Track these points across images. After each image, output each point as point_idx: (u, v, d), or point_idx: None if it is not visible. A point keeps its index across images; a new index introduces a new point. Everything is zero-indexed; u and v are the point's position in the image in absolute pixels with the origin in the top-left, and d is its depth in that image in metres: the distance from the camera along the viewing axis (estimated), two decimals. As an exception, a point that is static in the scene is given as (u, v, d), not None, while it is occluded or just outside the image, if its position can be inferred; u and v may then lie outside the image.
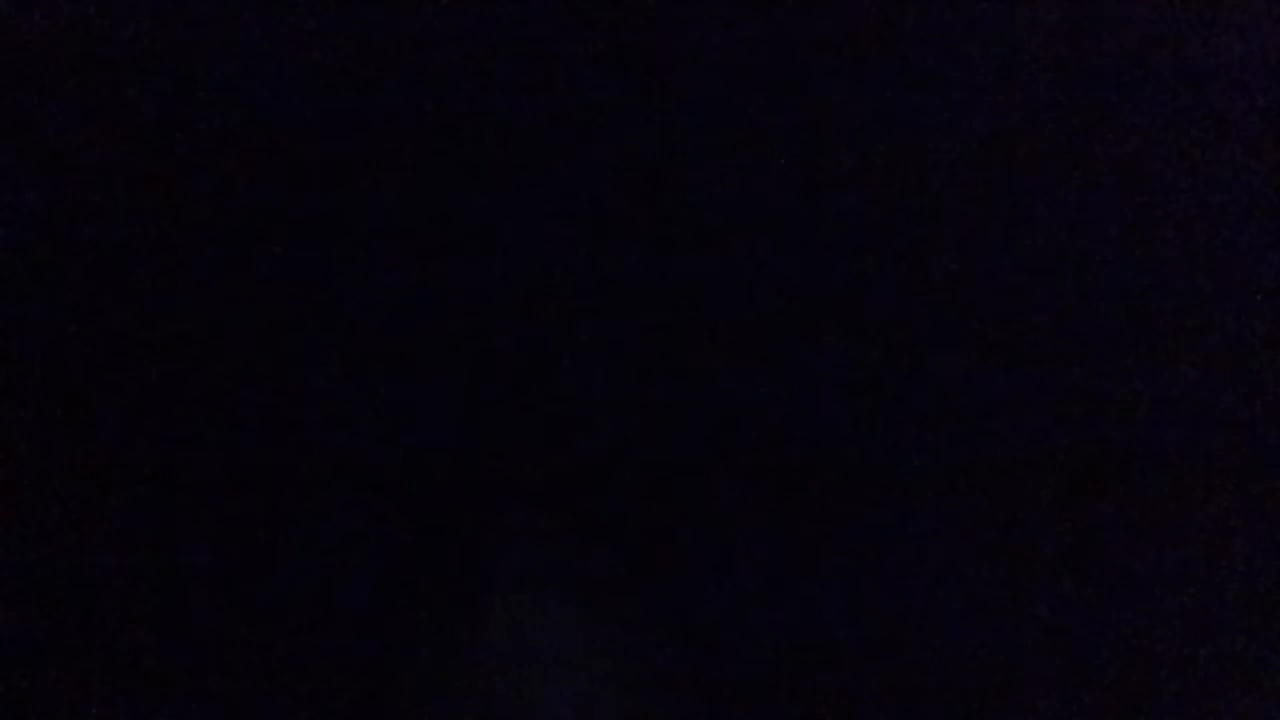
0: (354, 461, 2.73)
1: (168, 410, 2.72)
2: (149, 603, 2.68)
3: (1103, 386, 2.78)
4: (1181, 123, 2.85)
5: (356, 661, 2.69)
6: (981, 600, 2.73)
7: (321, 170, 2.78)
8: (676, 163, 2.81)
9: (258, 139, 2.78)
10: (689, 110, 2.82)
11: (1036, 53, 2.85)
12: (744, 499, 2.75)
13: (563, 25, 2.82)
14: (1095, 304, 2.80)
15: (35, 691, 2.65)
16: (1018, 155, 2.83)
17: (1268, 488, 2.77)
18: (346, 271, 2.77)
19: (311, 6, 2.81)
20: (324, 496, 2.71)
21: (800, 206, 2.81)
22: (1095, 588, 2.74)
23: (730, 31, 2.83)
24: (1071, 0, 2.86)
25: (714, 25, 2.83)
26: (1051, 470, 2.77)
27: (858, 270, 2.80)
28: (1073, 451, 2.77)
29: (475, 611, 2.72)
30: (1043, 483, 2.76)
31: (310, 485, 2.71)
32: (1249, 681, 2.73)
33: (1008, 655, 2.72)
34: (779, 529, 2.74)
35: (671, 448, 2.76)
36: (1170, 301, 2.81)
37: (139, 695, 2.66)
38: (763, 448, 2.76)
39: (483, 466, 2.74)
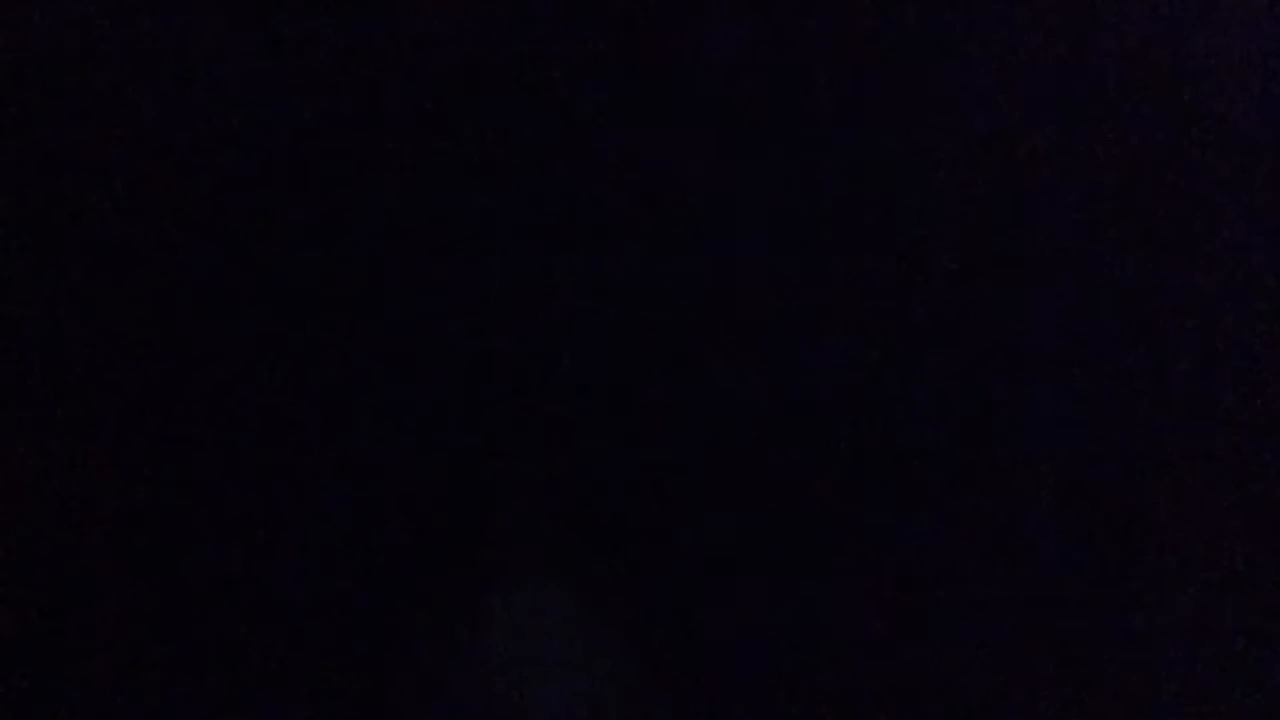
0: (353, 461, 2.73)
1: (166, 411, 2.72)
2: (148, 603, 2.68)
3: (1103, 386, 2.78)
4: (1181, 123, 2.85)
5: (356, 661, 2.69)
6: (981, 600, 2.73)
7: (321, 170, 2.78)
8: (676, 163, 2.81)
9: (257, 139, 2.78)
10: (688, 110, 2.82)
11: (1036, 53, 2.85)
12: (743, 499, 2.75)
13: (563, 25, 2.82)
14: (1095, 304, 2.80)
15: (35, 691, 2.65)
16: (1018, 155, 2.83)
17: (1268, 488, 2.77)
18: (346, 272, 2.76)
19: (312, 6, 2.81)
20: (323, 497, 2.71)
21: (800, 206, 2.81)
22: (1095, 588, 2.74)
23: (730, 31, 2.83)
24: (1071, 0, 2.86)
25: (714, 25, 2.83)
26: (1051, 470, 2.77)
27: (858, 270, 2.80)
28: (1073, 451, 2.77)
29: (475, 612, 2.72)
30: (1042, 483, 2.76)
31: (309, 485, 2.71)
32: (1249, 681, 2.73)
33: (1007, 655, 2.72)
34: (778, 529, 2.74)
35: (671, 447, 2.76)
36: (1170, 301, 2.81)
37: (138, 695, 2.66)
38: (762, 448, 2.76)
39: (482, 466, 2.74)
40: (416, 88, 2.81)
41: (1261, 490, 2.76)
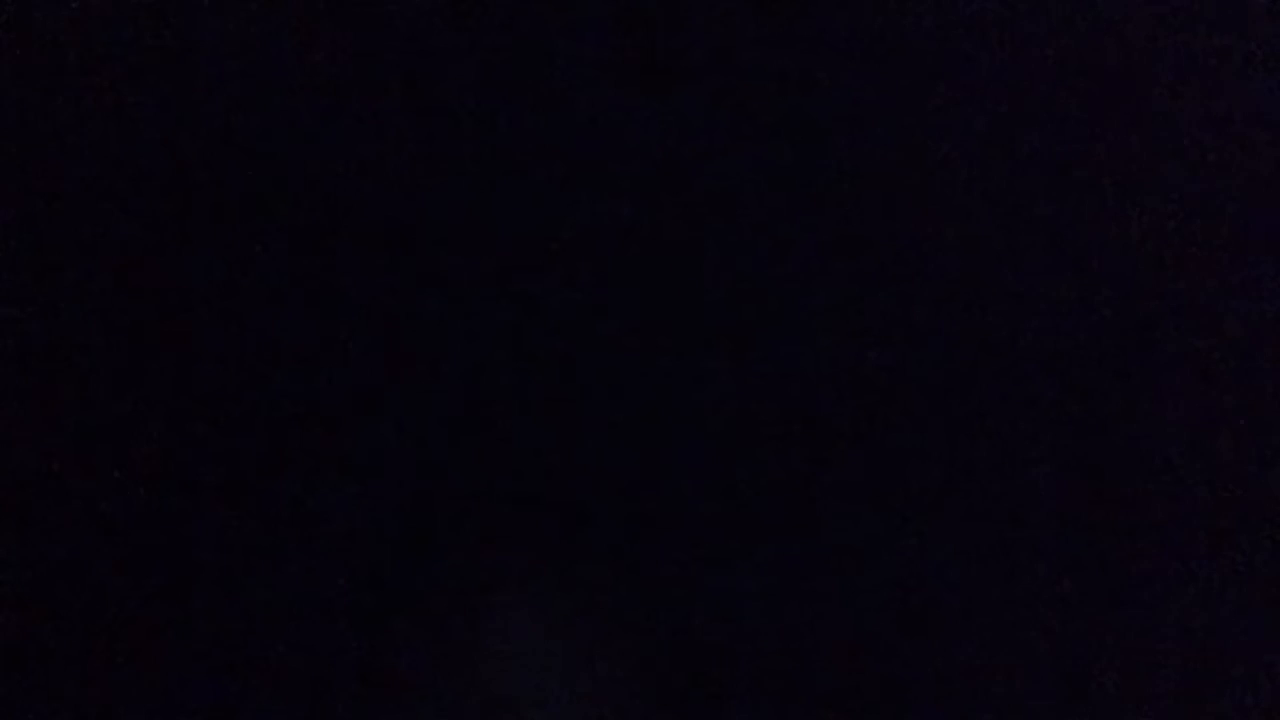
0: (353, 461, 2.72)
1: (166, 411, 2.72)
2: (147, 603, 2.67)
3: (1103, 386, 2.78)
4: (1181, 122, 2.85)
5: (356, 662, 2.69)
6: (980, 600, 2.73)
7: (321, 170, 2.78)
8: (676, 162, 2.81)
9: (257, 139, 2.78)
10: (688, 109, 2.82)
11: (1036, 53, 2.85)
12: (742, 499, 2.75)
13: (563, 25, 2.82)
14: (1095, 304, 2.80)
15: (35, 691, 2.64)
16: (1018, 155, 2.83)
17: (1268, 488, 2.77)
18: (345, 272, 2.76)
19: (312, 6, 2.80)
20: (322, 497, 2.71)
21: (800, 206, 2.81)
22: (1095, 588, 2.74)
23: (730, 30, 2.83)
24: (1072, 0, 2.86)
25: (714, 24, 2.83)
26: (1051, 470, 2.77)
27: (857, 270, 2.79)
28: (1072, 451, 2.77)
29: (474, 614, 2.72)
30: (1042, 482, 2.76)
31: (309, 485, 2.71)
32: (1249, 681, 2.73)
33: (1007, 655, 2.72)
34: (778, 529, 2.74)
35: (671, 447, 2.76)
36: (1170, 301, 2.81)
37: (138, 695, 2.66)
38: (761, 447, 2.76)
39: (482, 466, 2.74)
40: (416, 87, 2.81)
41: (1261, 490, 2.76)
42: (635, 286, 2.79)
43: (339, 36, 2.80)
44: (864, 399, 2.77)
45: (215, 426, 2.72)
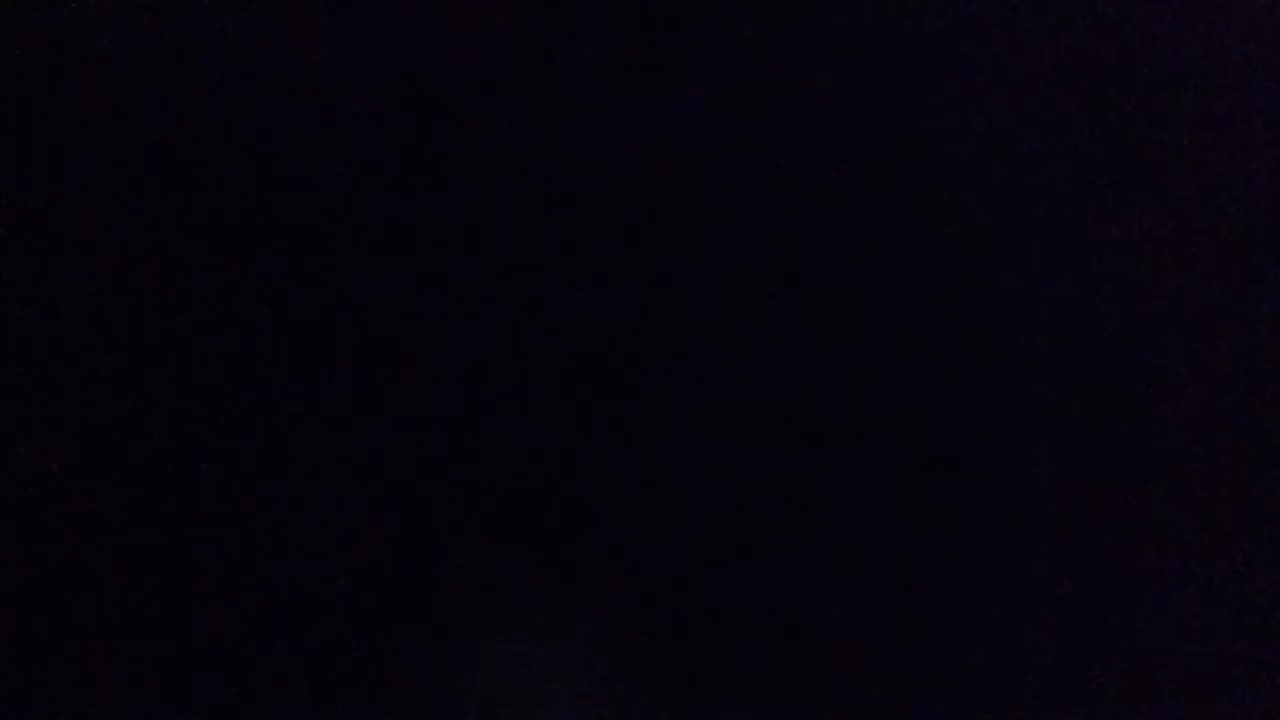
0: (353, 461, 2.73)
1: (166, 410, 2.72)
2: (146, 603, 2.67)
3: (1102, 386, 2.78)
4: (1182, 123, 2.85)
5: (356, 662, 2.69)
6: (980, 599, 2.73)
7: (321, 171, 2.78)
8: (676, 162, 2.81)
9: (257, 139, 2.78)
10: (688, 109, 2.82)
11: (1036, 53, 2.85)
12: (742, 499, 2.75)
13: (563, 25, 2.82)
14: (1095, 304, 2.80)
15: (34, 691, 2.65)
16: (1018, 155, 2.83)
17: (1268, 488, 2.77)
18: (345, 272, 2.76)
19: (312, 6, 2.80)
20: (322, 499, 2.71)
21: (800, 206, 2.81)
22: (1095, 588, 2.74)
23: (730, 30, 2.83)
24: (1072, 0, 2.86)
25: (714, 24, 2.83)
26: (1051, 470, 2.77)
27: (857, 269, 2.80)
28: (1073, 450, 2.77)
29: (474, 614, 2.72)
30: (1043, 482, 2.76)
31: (309, 485, 2.71)
32: (1249, 681, 2.73)
33: (1007, 654, 2.72)
34: (779, 530, 2.74)
35: (671, 448, 2.76)
36: (1171, 302, 2.81)
37: (137, 694, 2.66)
38: (760, 448, 2.76)
39: (482, 467, 2.74)
40: (416, 87, 2.81)
41: (1261, 490, 2.76)
42: (635, 286, 2.79)
43: (339, 36, 2.80)
44: (863, 399, 2.77)
45: (215, 427, 2.72)
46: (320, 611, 2.69)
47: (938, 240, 2.80)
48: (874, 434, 2.76)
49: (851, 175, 2.81)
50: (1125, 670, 2.72)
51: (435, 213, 2.78)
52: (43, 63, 2.77)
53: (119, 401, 2.71)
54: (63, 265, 2.74)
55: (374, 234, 2.77)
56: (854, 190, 2.81)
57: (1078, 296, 2.80)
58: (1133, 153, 2.84)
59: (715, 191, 2.81)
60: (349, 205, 2.77)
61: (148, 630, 2.66)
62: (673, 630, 2.73)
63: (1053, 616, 2.73)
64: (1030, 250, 2.81)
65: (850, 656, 2.72)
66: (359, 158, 2.78)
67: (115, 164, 2.76)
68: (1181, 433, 2.77)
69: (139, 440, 2.71)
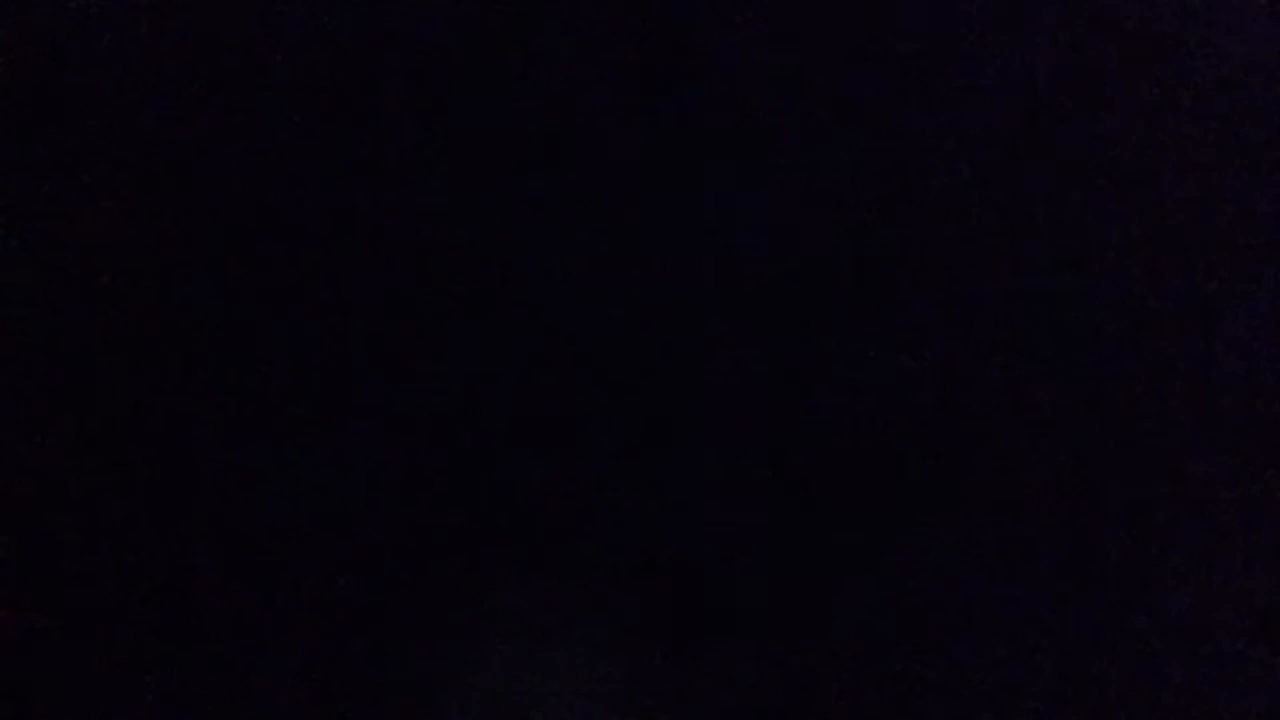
0: (354, 461, 2.73)
1: (166, 410, 2.72)
2: (147, 604, 2.68)
3: (1103, 386, 2.79)
4: (1182, 122, 2.85)
5: (356, 662, 2.69)
6: (981, 600, 2.74)
7: (321, 171, 2.78)
8: (676, 162, 2.82)
9: (257, 137, 2.78)
10: (688, 109, 2.82)
11: (1036, 53, 2.85)
12: (742, 499, 2.75)
13: (563, 25, 2.82)
14: (1095, 304, 2.81)
15: (34, 691, 2.65)
16: (1018, 155, 2.83)
17: (1268, 488, 2.77)
18: (346, 272, 2.77)
19: (312, 6, 2.81)
20: (323, 499, 2.72)
21: (800, 205, 2.81)
22: (1095, 588, 2.75)
23: (731, 30, 2.83)
24: (1072, 0, 2.86)
25: (715, 24, 2.83)
26: (1051, 470, 2.77)
27: (857, 271, 2.80)
28: (1073, 451, 2.78)
29: (475, 613, 2.72)
30: (1043, 482, 2.77)
31: (309, 485, 2.72)
32: (1249, 681, 2.73)
33: (1007, 654, 2.73)
34: (780, 534, 2.74)
35: (671, 447, 2.76)
36: (1170, 302, 2.81)
37: (137, 695, 2.66)
38: (761, 448, 2.76)
39: (483, 466, 2.74)
40: (416, 87, 2.81)
41: (1261, 490, 2.77)
42: (636, 285, 2.79)
43: (339, 36, 2.80)
44: (863, 399, 2.77)
45: (215, 425, 2.72)
46: (320, 612, 2.69)
47: (938, 240, 2.81)
48: (874, 434, 2.77)
49: (851, 174, 2.82)
50: (1125, 670, 2.73)
51: (435, 212, 2.79)
52: (43, 63, 2.78)
53: (118, 400, 2.71)
54: (63, 265, 2.74)
55: (374, 234, 2.77)
56: (853, 189, 2.82)
57: (1078, 296, 2.80)
58: (1133, 152, 2.84)
59: (715, 190, 2.81)
60: (349, 205, 2.77)
61: (148, 630, 2.67)
62: (674, 629, 2.73)
63: (1053, 616, 2.73)
64: (1030, 250, 2.81)
65: (851, 656, 2.72)
66: (359, 158, 2.79)
67: (115, 164, 2.76)
68: (1181, 432, 2.78)
69: (139, 440, 2.71)
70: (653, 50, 2.83)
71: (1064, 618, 2.73)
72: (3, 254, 2.74)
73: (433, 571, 2.72)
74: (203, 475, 2.71)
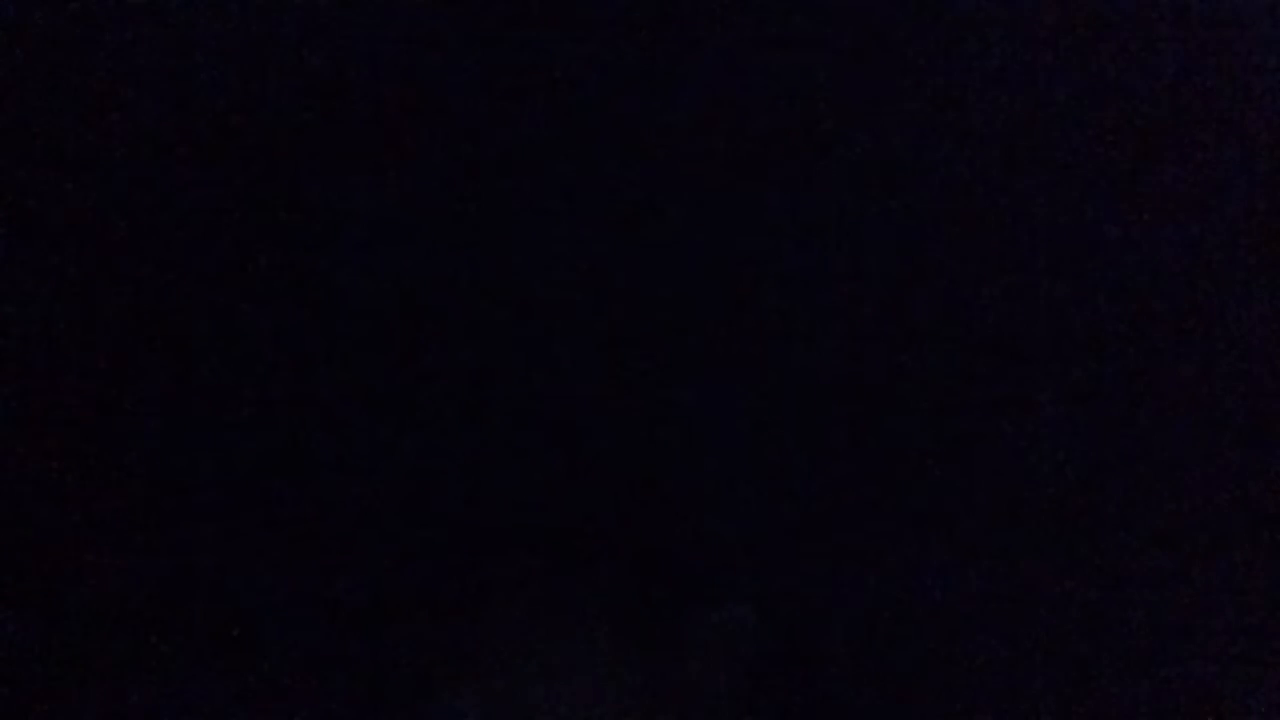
0: (355, 460, 2.73)
1: (166, 410, 2.73)
2: (147, 604, 2.68)
3: (1102, 386, 2.79)
4: (1182, 122, 2.85)
5: (356, 662, 2.70)
6: (980, 599, 2.74)
7: (321, 169, 2.79)
8: (676, 162, 2.82)
9: (257, 137, 2.78)
10: (689, 108, 2.83)
11: (1036, 53, 2.85)
12: (741, 500, 2.75)
13: (563, 24, 2.83)
14: (1095, 304, 2.81)
15: (34, 692, 2.65)
16: (1018, 155, 2.84)
17: (1268, 488, 2.77)
18: (346, 271, 2.77)
19: (312, 6, 2.81)
20: (324, 500, 2.72)
21: (800, 205, 2.82)
22: (1094, 588, 2.75)
23: (730, 30, 2.84)
24: (1071, 0, 2.86)
25: (714, 23, 2.84)
26: (1051, 470, 2.77)
27: (857, 272, 2.80)
28: (1073, 452, 2.78)
29: (478, 617, 2.73)
30: (1042, 482, 2.77)
31: (309, 488, 2.72)
32: (1249, 681, 2.73)
33: (1006, 654, 2.73)
34: (779, 533, 2.75)
35: (670, 451, 2.76)
36: (1170, 301, 2.81)
37: (138, 694, 2.66)
38: (761, 451, 2.77)
39: (484, 467, 2.75)
40: (416, 86, 2.81)
41: (1261, 490, 2.77)
42: (636, 285, 2.80)
43: (339, 36, 2.81)
44: (863, 399, 2.78)
45: (215, 425, 2.73)
46: (321, 612, 2.70)
47: (937, 240, 2.81)
48: (874, 434, 2.77)
49: (851, 174, 2.82)
50: (1125, 670, 2.73)
51: (435, 211, 2.79)
52: (43, 62, 2.78)
53: (118, 400, 2.72)
54: (63, 265, 2.74)
55: (374, 234, 2.78)
56: (853, 189, 2.82)
57: (1078, 296, 2.81)
58: (1133, 152, 2.84)
59: (715, 190, 2.82)
60: (349, 205, 2.78)
61: (147, 631, 2.67)
62: (674, 630, 2.74)
63: (1052, 616, 2.74)
64: (1030, 250, 2.82)
65: (850, 657, 2.72)
66: (359, 158, 2.79)
67: (115, 163, 2.77)
68: (1181, 432, 2.78)
69: (139, 440, 2.72)
70: (651, 47, 2.83)
71: (1063, 617, 2.74)
72: (3, 254, 2.74)
73: (433, 571, 2.73)
74: (203, 475, 2.72)
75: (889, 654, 2.74)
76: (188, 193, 2.77)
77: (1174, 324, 2.81)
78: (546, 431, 2.76)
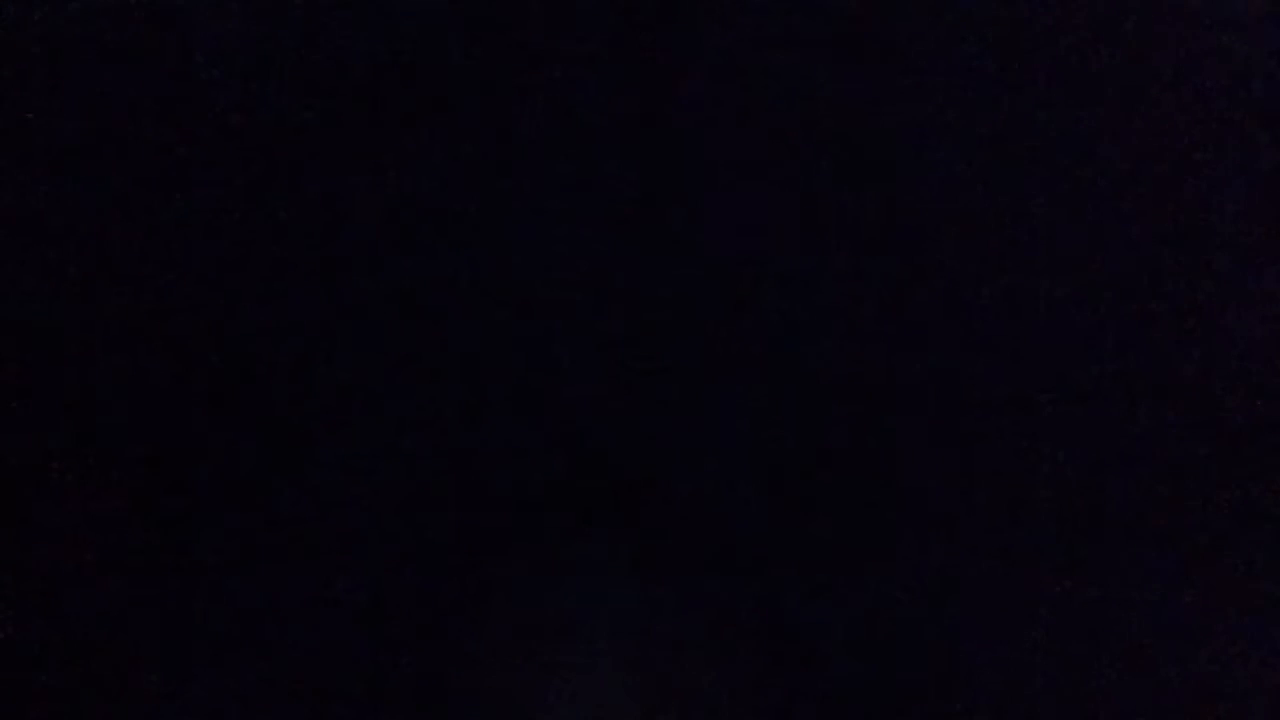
0: (356, 460, 2.73)
1: (167, 410, 2.72)
2: (147, 604, 2.68)
3: (1103, 387, 2.79)
4: (1182, 121, 2.85)
5: (357, 662, 2.69)
6: (981, 600, 2.74)
7: (321, 170, 2.78)
8: (677, 162, 2.81)
9: (256, 135, 2.78)
10: (688, 108, 2.82)
11: (1036, 53, 2.85)
12: (742, 501, 2.75)
13: (563, 24, 2.82)
14: (1094, 304, 2.80)
15: (34, 692, 2.65)
16: (1018, 155, 2.83)
17: (1268, 488, 2.77)
18: (347, 271, 2.77)
19: (312, 6, 2.81)
20: (324, 500, 2.72)
21: (800, 205, 2.81)
22: (1095, 588, 2.74)
23: (730, 30, 2.83)
24: (1071, 0, 2.86)
25: (714, 23, 2.83)
26: (1051, 470, 2.77)
27: (857, 271, 2.80)
28: (1073, 452, 2.77)
29: (479, 617, 2.72)
30: (1043, 483, 2.77)
31: (310, 488, 2.72)
32: (1249, 681, 2.73)
33: (1007, 655, 2.73)
34: (779, 533, 2.74)
35: (670, 451, 2.76)
36: (1170, 302, 2.81)
37: (138, 695, 2.66)
38: (761, 451, 2.76)
39: (485, 467, 2.74)
40: (416, 85, 2.81)
41: (1261, 490, 2.76)
42: (636, 284, 2.79)
43: (339, 36, 2.80)
44: (862, 399, 2.77)
45: (215, 425, 2.72)
46: (321, 612, 2.69)
47: (938, 240, 2.81)
48: (873, 434, 2.77)
49: (851, 174, 2.82)
50: (1125, 670, 2.72)
51: (435, 211, 2.78)
52: (43, 63, 2.78)
53: (119, 400, 2.71)
54: (63, 264, 2.74)
55: (374, 234, 2.77)
56: (854, 189, 2.81)
57: (1078, 296, 2.80)
58: (1133, 152, 2.84)
59: (715, 190, 2.81)
60: (349, 205, 2.77)
61: (147, 630, 2.67)
62: (674, 630, 2.73)
63: (1053, 616, 2.73)
64: (1030, 250, 2.81)
65: (851, 657, 2.72)
66: (358, 158, 2.78)
67: (115, 162, 2.76)
68: (1181, 433, 2.77)
69: (139, 440, 2.71)
70: (651, 47, 2.83)
71: (1064, 617, 2.73)
72: (3, 254, 2.74)
73: (433, 571, 2.72)
74: (202, 474, 2.71)
75: (889, 654, 2.73)
76: (188, 192, 2.77)
77: (1174, 324, 2.81)
78: (547, 431, 2.76)
